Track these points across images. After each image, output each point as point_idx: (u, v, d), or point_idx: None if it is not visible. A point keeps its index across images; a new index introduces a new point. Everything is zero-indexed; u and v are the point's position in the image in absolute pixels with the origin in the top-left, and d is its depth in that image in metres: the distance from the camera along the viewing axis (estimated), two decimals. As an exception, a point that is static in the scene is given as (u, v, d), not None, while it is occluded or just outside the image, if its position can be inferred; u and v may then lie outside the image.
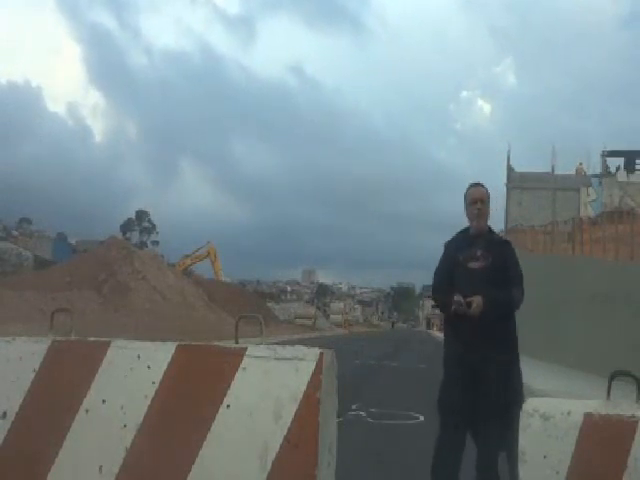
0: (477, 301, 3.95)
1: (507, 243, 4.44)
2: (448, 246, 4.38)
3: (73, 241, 63.63)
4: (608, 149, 44.32)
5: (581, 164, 43.48)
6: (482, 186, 4.38)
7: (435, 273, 4.35)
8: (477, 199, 4.27)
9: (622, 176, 41.99)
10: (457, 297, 3.98)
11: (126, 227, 71.63)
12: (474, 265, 4.15)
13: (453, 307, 3.98)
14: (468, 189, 4.35)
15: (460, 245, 4.27)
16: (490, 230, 4.36)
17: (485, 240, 4.23)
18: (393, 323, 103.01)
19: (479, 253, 4.16)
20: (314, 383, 2.29)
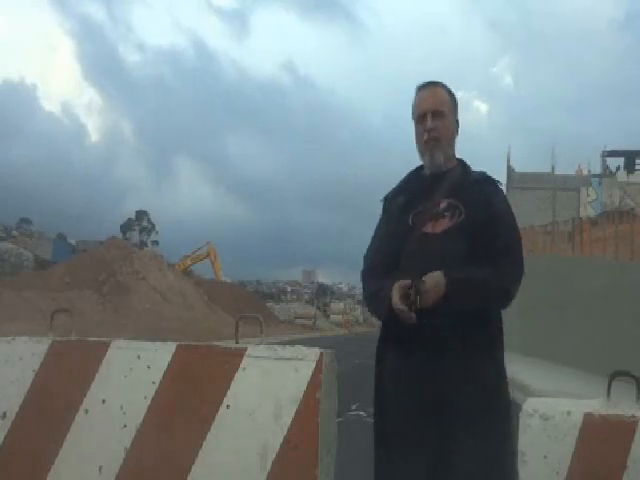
0: (433, 281, 2.28)
1: (492, 183, 2.54)
2: (391, 201, 2.60)
3: (73, 241, 63.61)
4: (608, 149, 44.36)
5: (580, 166, 43.52)
6: (438, 86, 2.55)
7: (366, 253, 2.63)
8: (426, 110, 2.47)
9: (622, 176, 42.03)
10: (400, 284, 2.30)
11: (126, 227, 71.63)
12: (434, 228, 2.42)
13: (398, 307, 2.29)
14: (415, 94, 2.56)
15: (410, 195, 2.51)
16: (463, 164, 2.56)
17: (453, 182, 2.46)
18: None
19: (443, 205, 2.43)
20: (314, 383, 2.29)
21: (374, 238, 2.63)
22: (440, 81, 2.60)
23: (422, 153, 2.53)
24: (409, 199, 2.51)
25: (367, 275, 2.58)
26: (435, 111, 2.47)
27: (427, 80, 2.59)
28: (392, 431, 2.41)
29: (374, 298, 2.51)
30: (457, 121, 2.58)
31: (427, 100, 2.50)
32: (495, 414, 2.36)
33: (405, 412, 2.38)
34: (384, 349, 2.52)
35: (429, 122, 2.46)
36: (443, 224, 2.42)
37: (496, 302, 2.48)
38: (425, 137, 2.48)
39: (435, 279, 2.30)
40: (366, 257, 2.62)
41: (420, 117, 2.49)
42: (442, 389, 2.33)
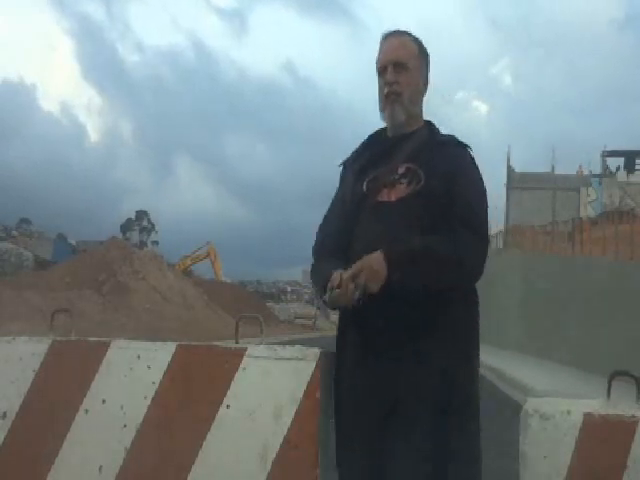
0: (367, 264, 2.02)
1: (460, 147, 2.26)
2: (349, 167, 2.36)
3: (73, 241, 63.63)
4: (608, 149, 44.38)
5: (581, 167, 43.52)
6: (405, 36, 2.28)
7: (320, 225, 2.38)
8: (387, 62, 2.21)
9: (622, 176, 42.06)
10: (336, 275, 2.06)
11: (126, 227, 71.71)
12: (389, 195, 2.15)
13: (325, 297, 2.13)
14: (380, 44, 2.28)
15: (368, 160, 2.25)
16: (430, 126, 2.29)
17: (415, 145, 2.20)
18: None
19: (401, 170, 2.15)
20: (314, 383, 2.29)
21: (329, 208, 2.40)
22: (408, 31, 2.29)
23: (382, 109, 2.24)
24: (366, 164, 2.25)
25: (317, 252, 2.33)
26: (397, 63, 2.20)
27: (394, 29, 2.30)
28: (348, 430, 2.24)
29: (317, 283, 2.27)
30: (427, 78, 2.30)
31: (389, 51, 2.23)
32: (461, 413, 2.13)
33: (360, 411, 2.19)
34: (342, 342, 2.35)
35: (389, 75, 2.19)
36: (399, 191, 2.14)
37: (453, 278, 2.12)
38: (385, 91, 2.20)
39: (363, 262, 2.02)
40: (319, 230, 2.37)
41: (381, 69, 2.23)
42: (398, 387, 2.11)
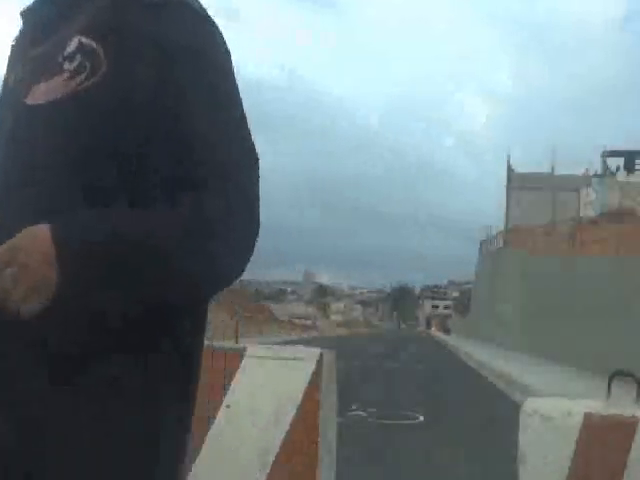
0: (18, 258, 0.85)
1: (194, 15, 1.02)
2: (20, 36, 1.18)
3: (73, 241, 63.71)
4: (608, 149, 44.40)
5: (587, 170, 43.50)
6: None
7: None
8: None
9: (622, 176, 42.06)
10: None
11: (126, 227, 71.88)
12: (43, 95, 0.99)
13: None
14: None
15: (35, 24, 1.11)
16: None
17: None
18: (399, 323, 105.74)
19: (71, 47, 0.99)
20: (314, 383, 2.29)
21: None
22: None
23: None
24: (34, 31, 1.14)
25: None
26: None
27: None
28: None
29: None
30: None
31: None
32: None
33: None
34: None
35: None
36: (56, 87, 1.03)
37: (185, 293, 1.01)
38: None
39: (12, 252, 0.90)
40: None
41: None
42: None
